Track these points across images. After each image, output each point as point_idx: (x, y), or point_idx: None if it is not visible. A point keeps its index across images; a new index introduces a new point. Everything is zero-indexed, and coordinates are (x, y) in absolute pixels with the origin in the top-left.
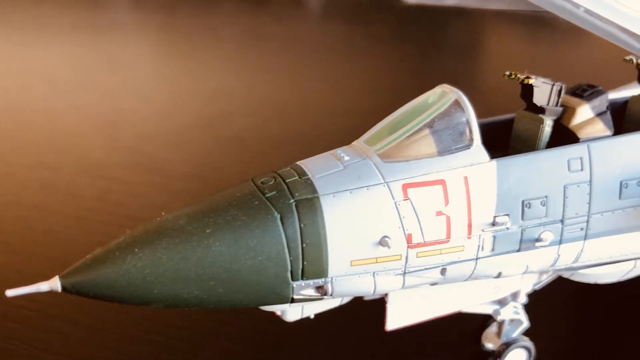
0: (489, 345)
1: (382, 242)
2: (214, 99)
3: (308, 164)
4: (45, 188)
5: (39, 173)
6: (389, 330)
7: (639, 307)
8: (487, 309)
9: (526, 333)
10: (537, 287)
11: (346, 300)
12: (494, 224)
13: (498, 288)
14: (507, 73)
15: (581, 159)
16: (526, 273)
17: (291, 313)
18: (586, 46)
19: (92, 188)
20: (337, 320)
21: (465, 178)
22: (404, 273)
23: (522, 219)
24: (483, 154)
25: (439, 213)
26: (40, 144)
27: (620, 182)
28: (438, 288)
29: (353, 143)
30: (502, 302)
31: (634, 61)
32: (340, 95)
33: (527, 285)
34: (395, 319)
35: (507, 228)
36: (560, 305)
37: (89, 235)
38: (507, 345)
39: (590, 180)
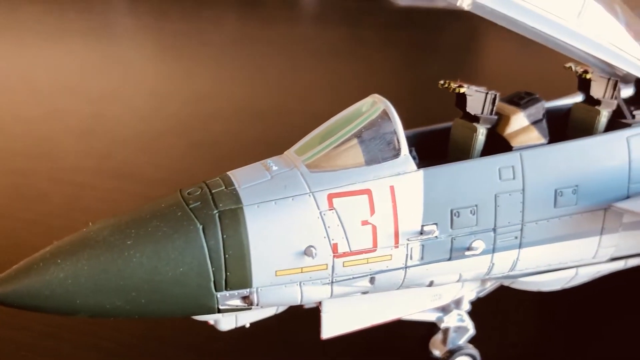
0: (436, 352)
1: (307, 251)
2: (192, 104)
3: (237, 174)
4: (14, 194)
5: (10, 179)
6: (325, 338)
7: (584, 314)
8: (430, 317)
9: (473, 340)
10: (482, 294)
11: (282, 309)
12: (421, 232)
13: (438, 296)
14: (441, 82)
15: (513, 167)
16: (461, 281)
17: (225, 322)
18: None
19: (61, 194)
20: (286, 329)
21: (392, 187)
22: (332, 282)
23: (452, 227)
24: (410, 163)
25: (365, 222)
26: (13, 149)
27: (555, 191)
28: (373, 296)
29: (285, 152)
30: (445, 310)
31: (573, 68)
32: (325, 99)
33: (470, 292)
34: (331, 328)
35: (436, 237)
36: (507, 312)
37: (51, 242)
38: (451, 353)
39: (523, 189)
